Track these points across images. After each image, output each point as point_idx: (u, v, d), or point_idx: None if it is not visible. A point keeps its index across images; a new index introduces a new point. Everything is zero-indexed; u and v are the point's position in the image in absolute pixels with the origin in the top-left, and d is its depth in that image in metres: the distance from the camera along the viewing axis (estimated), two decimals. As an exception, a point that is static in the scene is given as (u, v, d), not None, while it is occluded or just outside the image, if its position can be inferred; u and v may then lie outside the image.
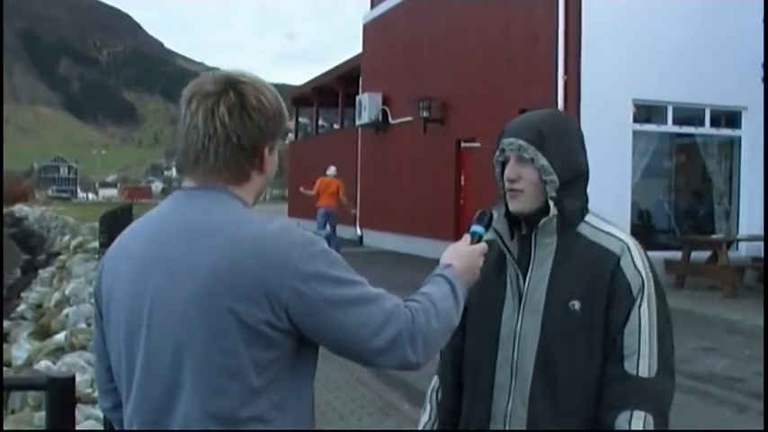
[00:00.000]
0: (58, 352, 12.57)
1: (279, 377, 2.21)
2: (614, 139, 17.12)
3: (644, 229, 18.51)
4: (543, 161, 2.73)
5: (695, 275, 16.76)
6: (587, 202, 2.86)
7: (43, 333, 16.11)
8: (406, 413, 8.42)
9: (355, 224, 30.25)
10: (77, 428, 6.27)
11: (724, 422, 8.25)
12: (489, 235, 2.83)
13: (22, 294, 23.84)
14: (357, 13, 33.31)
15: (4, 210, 61.86)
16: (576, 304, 2.70)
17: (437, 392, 3.07)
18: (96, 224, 25.92)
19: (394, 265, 21.56)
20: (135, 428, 2.28)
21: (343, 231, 28.71)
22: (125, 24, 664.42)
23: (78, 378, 5.04)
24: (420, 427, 3.09)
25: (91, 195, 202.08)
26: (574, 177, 2.78)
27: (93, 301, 2.51)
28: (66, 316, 15.74)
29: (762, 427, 7.83)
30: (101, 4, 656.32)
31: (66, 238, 40.87)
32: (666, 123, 19.02)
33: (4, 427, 8.21)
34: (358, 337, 2.20)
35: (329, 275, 2.20)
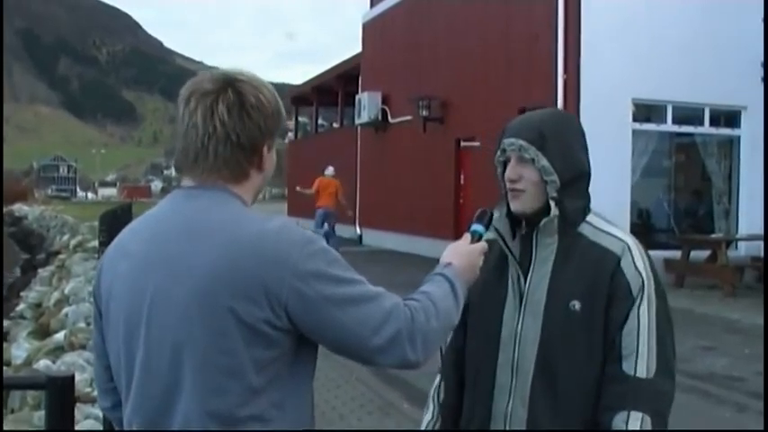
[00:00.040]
0: (58, 351, 12.56)
1: (278, 376, 2.21)
2: (614, 138, 17.12)
3: (643, 229, 18.51)
4: (544, 161, 2.73)
5: (695, 275, 16.77)
6: (589, 201, 2.85)
7: (42, 332, 16.11)
8: (405, 412, 8.43)
9: (355, 223, 30.25)
10: (77, 428, 6.27)
11: (723, 421, 8.25)
12: (490, 235, 2.84)
13: (22, 293, 23.86)
14: (357, 13, 33.32)
15: (4, 209, 61.80)
16: (577, 304, 2.70)
17: (440, 392, 3.07)
18: (96, 223, 25.95)
19: (393, 264, 21.56)
20: (135, 428, 2.28)
21: (343, 230, 28.73)
22: (124, 24, 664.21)
23: (78, 377, 5.04)
24: (423, 427, 3.09)
25: (90, 194, 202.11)
26: (575, 177, 2.78)
27: (92, 300, 2.51)
28: (66, 315, 15.74)
29: (761, 427, 7.83)
30: (100, 4, 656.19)
31: (66, 237, 40.88)
32: (666, 123, 19.03)
33: (4, 427, 8.20)
34: (357, 335, 2.20)
35: (328, 274, 2.20)
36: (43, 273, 27.89)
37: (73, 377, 3.18)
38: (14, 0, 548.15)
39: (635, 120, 18.54)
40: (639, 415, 2.62)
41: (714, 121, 19.36)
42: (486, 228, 2.79)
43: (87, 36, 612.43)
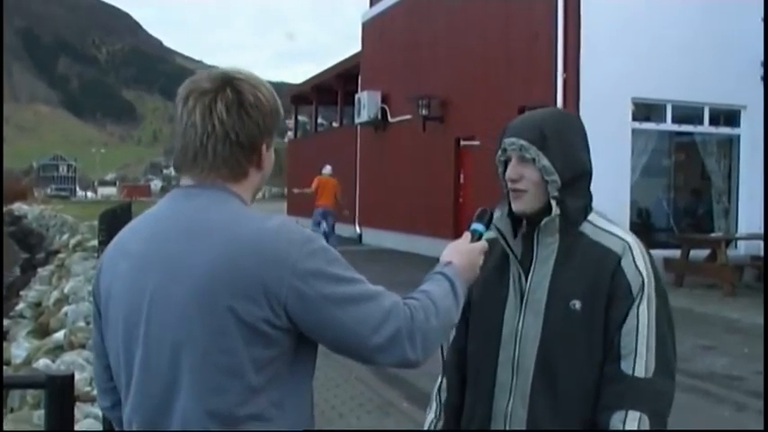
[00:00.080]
0: (57, 350, 12.58)
1: (278, 375, 2.20)
2: (613, 137, 17.10)
3: (643, 228, 18.52)
4: (545, 161, 2.73)
5: (694, 274, 16.77)
6: (591, 201, 2.85)
7: (42, 331, 16.13)
8: (405, 411, 8.43)
9: (354, 222, 30.26)
10: (76, 427, 6.27)
11: (723, 421, 8.25)
12: (492, 234, 2.84)
13: (21, 293, 23.88)
14: (356, 12, 33.31)
15: (3, 208, 61.80)
16: (577, 304, 2.69)
17: (442, 391, 3.07)
18: (95, 222, 25.99)
19: (393, 263, 21.56)
20: (134, 427, 2.28)
21: (343, 230, 28.74)
22: (124, 23, 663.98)
23: (77, 376, 5.04)
24: (426, 426, 3.09)
25: (90, 194, 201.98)
26: (576, 177, 2.77)
27: (91, 299, 2.51)
28: (66, 314, 15.75)
29: (761, 427, 7.83)
30: (100, 3, 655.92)
31: (66, 236, 40.92)
32: (665, 122, 19.04)
33: (3, 426, 8.21)
34: (357, 334, 2.20)
35: (328, 273, 2.20)
36: (43, 272, 27.92)
37: (72, 376, 3.18)
38: (14, 0, 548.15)
39: (634, 119, 18.55)
40: (637, 414, 2.62)
41: (714, 121, 19.37)
42: (487, 227, 2.79)
43: (87, 35, 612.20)
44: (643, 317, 2.66)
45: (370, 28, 30.76)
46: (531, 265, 2.81)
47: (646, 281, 2.69)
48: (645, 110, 18.98)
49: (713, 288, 16.24)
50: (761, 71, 18.60)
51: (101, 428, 6.54)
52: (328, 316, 2.18)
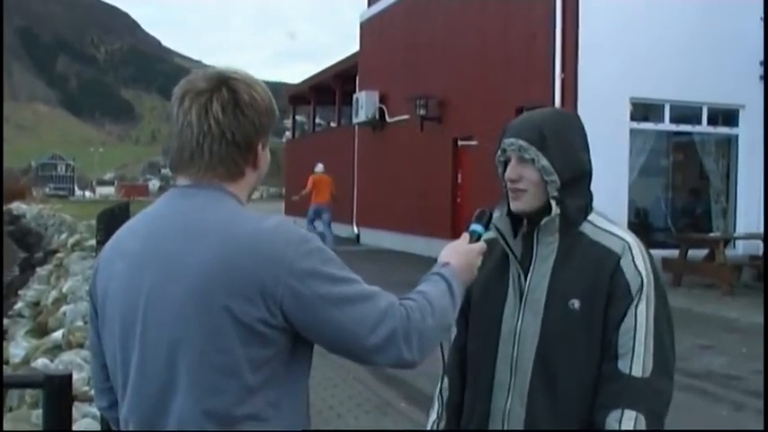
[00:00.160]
0: (56, 350, 12.58)
1: (274, 375, 2.20)
2: (612, 137, 17.10)
3: (641, 228, 18.51)
4: (544, 161, 2.73)
5: (692, 273, 16.76)
6: (591, 200, 2.85)
7: (40, 331, 16.13)
8: (403, 411, 8.43)
9: (352, 222, 30.27)
10: (74, 427, 6.27)
11: (721, 420, 8.25)
12: (491, 234, 2.84)
13: (20, 292, 23.87)
14: (354, 12, 33.31)
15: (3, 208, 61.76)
16: (576, 303, 2.70)
17: (444, 391, 3.07)
18: (93, 222, 25.97)
19: (391, 263, 21.57)
20: (131, 427, 2.28)
21: (340, 230, 28.77)
22: (123, 22, 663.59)
23: (75, 376, 5.04)
24: (428, 426, 3.09)
25: (88, 193, 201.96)
26: (576, 177, 2.78)
27: (89, 299, 2.51)
28: (64, 314, 15.76)
29: (760, 427, 7.84)
30: (99, 2, 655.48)
31: (64, 235, 40.92)
32: (664, 122, 19.05)
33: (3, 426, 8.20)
34: (353, 334, 2.20)
35: (324, 273, 2.20)
36: (41, 271, 27.92)
37: (70, 376, 3.18)
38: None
39: (633, 119, 18.55)
40: (633, 414, 2.62)
41: (712, 120, 19.38)
42: (486, 228, 2.79)
43: (86, 34, 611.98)
44: (641, 316, 2.67)
45: (368, 28, 30.75)
46: (530, 264, 2.81)
47: (645, 281, 2.70)
48: (643, 110, 18.99)
49: (711, 288, 16.24)
50: (759, 71, 18.61)
51: (98, 428, 6.54)
52: (324, 316, 2.18)
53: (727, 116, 19.50)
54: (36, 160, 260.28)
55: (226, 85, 2.31)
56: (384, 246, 26.66)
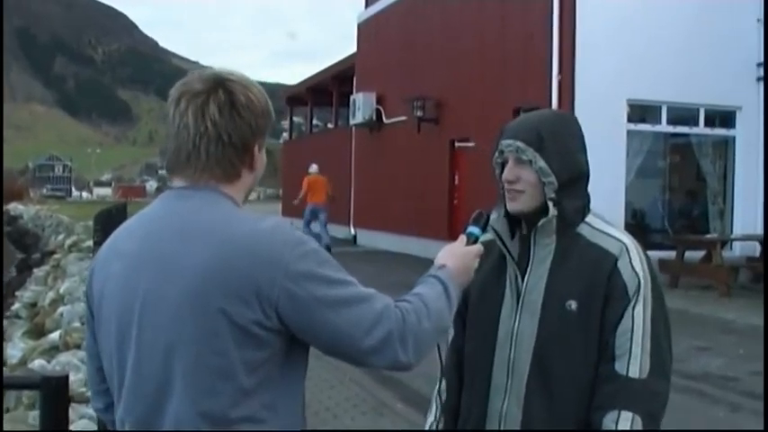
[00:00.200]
0: (53, 351, 12.57)
1: (269, 377, 2.20)
2: (609, 138, 17.10)
3: (638, 229, 18.51)
4: (541, 163, 2.73)
5: (689, 275, 16.76)
6: (588, 202, 2.86)
7: (38, 332, 16.12)
8: (399, 412, 8.43)
9: (349, 224, 30.28)
10: (71, 428, 6.26)
11: (718, 421, 8.26)
12: (489, 235, 2.84)
13: (17, 293, 23.83)
14: (352, 13, 33.30)
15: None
16: (573, 304, 2.70)
17: (442, 393, 3.07)
18: (91, 223, 25.94)
19: (387, 264, 21.57)
20: (127, 428, 2.28)
21: (337, 231, 28.78)
22: (120, 23, 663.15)
23: (72, 377, 5.04)
24: (426, 428, 3.09)
25: (85, 194, 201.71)
26: (573, 178, 2.78)
27: (84, 300, 2.51)
28: (61, 315, 15.74)
29: (758, 427, 7.85)
30: (96, 3, 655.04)
31: (61, 236, 40.91)
32: (661, 123, 19.05)
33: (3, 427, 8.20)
34: (349, 336, 2.20)
35: (320, 275, 2.20)
36: (38, 272, 27.90)
37: (67, 377, 3.18)
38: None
39: (630, 120, 18.56)
40: (630, 415, 2.62)
41: (709, 122, 19.38)
42: (483, 230, 2.79)
43: (83, 35, 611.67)
44: (638, 318, 2.67)
45: (365, 29, 30.76)
46: (527, 266, 2.82)
47: (642, 282, 2.70)
48: (640, 111, 19.00)
49: (708, 289, 16.25)
50: (756, 72, 18.63)
51: (95, 429, 6.54)
52: (320, 318, 2.18)
53: (724, 118, 19.50)
54: (33, 161, 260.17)
55: (222, 87, 2.31)
56: (381, 247, 26.66)
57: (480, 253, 2.72)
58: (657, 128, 19.09)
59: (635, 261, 2.73)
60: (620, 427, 2.62)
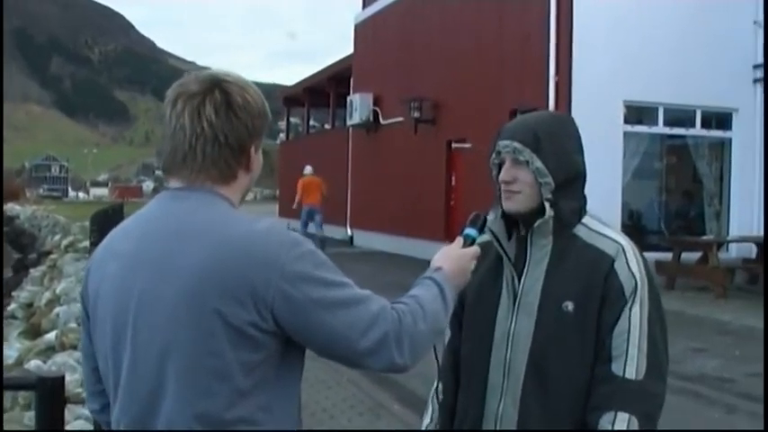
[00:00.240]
0: (49, 351, 12.55)
1: (265, 379, 2.20)
2: (605, 140, 17.10)
3: (635, 230, 18.52)
4: (538, 163, 2.73)
5: (686, 276, 16.78)
6: (585, 203, 2.86)
7: (34, 332, 16.09)
8: (396, 413, 8.43)
9: (346, 224, 30.28)
10: (67, 428, 6.25)
11: (713, 423, 8.26)
12: (486, 236, 2.84)
13: (13, 293, 23.81)
14: (349, 14, 33.30)
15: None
16: (570, 305, 2.70)
17: (439, 394, 3.07)
18: (87, 223, 25.93)
19: (384, 265, 21.57)
20: (122, 428, 2.27)
21: (334, 231, 28.79)
22: (117, 23, 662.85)
23: (68, 378, 5.03)
24: (423, 428, 3.09)
25: (82, 194, 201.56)
26: (570, 179, 2.78)
27: (80, 300, 2.51)
28: (57, 315, 15.72)
29: (757, 428, 7.86)
30: (93, 3, 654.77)
31: (57, 237, 40.86)
32: (657, 125, 19.07)
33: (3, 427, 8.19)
34: (345, 338, 2.19)
35: (316, 276, 2.19)
36: (35, 273, 27.86)
37: (63, 378, 3.18)
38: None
39: (626, 121, 18.57)
40: (626, 416, 2.63)
41: (705, 123, 19.40)
42: (480, 232, 2.79)
43: (80, 35, 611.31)
44: (635, 319, 2.67)
45: (362, 30, 30.75)
46: (524, 266, 2.82)
47: (639, 283, 2.70)
48: (637, 113, 19.02)
49: (704, 290, 16.25)
50: (753, 74, 18.66)
51: (91, 430, 6.53)
52: (316, 320, 2.17)
53: (720, 119, 19.53)
54: (30, 161, 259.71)
55: (219, 88, 2.31)
56: (377, 248, 26.64)
57: (477, 255, 2.71)
58: (654, 129, 19.11)
59: (632, 262, 2.73)
60: (616, 428, 2.62)
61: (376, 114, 28.02)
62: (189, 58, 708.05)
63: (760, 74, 18.59)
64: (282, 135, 47.25)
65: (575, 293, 2.71)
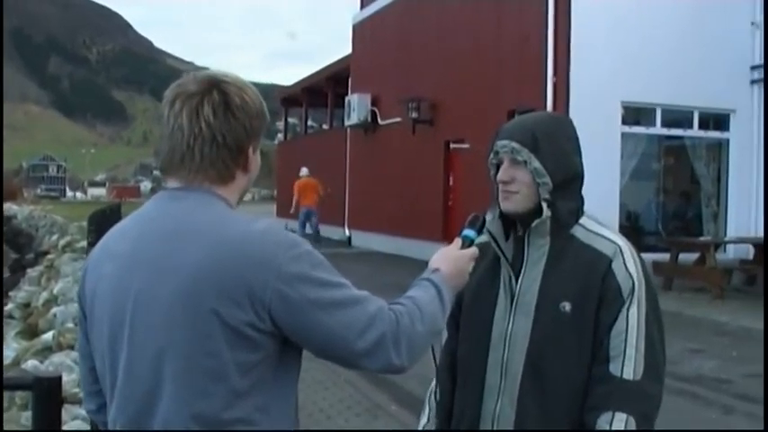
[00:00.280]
0: (46, 351, 12.54)
1: (262, 380, 2.20)
2: (603, 140, 17.11)
3: (632, 231, 18.54)
4: (536, 163, 2.74)
5: (683, 277, 16.79)
6: (582, 204, 2.86)
7: (31, 332, 16.09)
8: (393, 414, 8.43)
9: (344, 225, 30.27)
10: (64, 428, 6.25)
11: (710, 423, 8.27)
12: (483, 237, 2.84)
13: (11, 293, 23.80)
14: (347, 14, 33.29)
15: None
16: (567, 306, 2.70)
17: (435, 395, 3.07)
18: (85, 223, 25.87)
19: (382, 265, 21.56)
20: (118, 428, 2.27)
21: (332, 232, 28.79)
22: (115, 23, 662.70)
23: (65, 378, 5.03)
24: (420, 429, 3.09)
25: (79, 194, 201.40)
26: (567, 179, 2.79)
27: (77, 301, 2.50)
28: (54, 315, 15.70)
29: (756, 428, 7.87)
30: (91, 3, 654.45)
31: (55, 237, 40.78)
32: (655, 125, 19.09)
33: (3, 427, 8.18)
34: (342, 339, 2.19)
35: (313, 277, 2.19)
36: (32, 273, 27.83)
37: (60, 378, 3.17)
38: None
39: (624, 122, 18.58)
40: (624, 416, 2.63)
41: (703, 125, 19.43)
42: (479, 233, 2.79)
43: (78, 35, 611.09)
44: (632, 319, 2.67)
45: (360, 30, 30.75)
46: (521, 267, 2.82)
47: (636, 284, 2.70)
48: (634, 113, 19.03)
49: (702, 291, 16.25)
50: (750, 75, 18.68)
51: (88, 430, 6.52)
52: (313, 320, 2.17)
53: (718, 120, 19.55)
54: (27, 161, 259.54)
55: (217, 88, 2.31)
56: (375, 248, 26.64)
57: (475, 256, 2.72)
58: (652, 130, 19.13)
59: (629, 263, 2.73)
60: (614, 428, 2.62)
61: (374, 115, 28.02)
62: (187, 58, 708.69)
63: (757, 75, 18.62)
64: (280, 135, 47.26)
65: (572, 294, 2.71)
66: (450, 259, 2.63)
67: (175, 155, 2.30)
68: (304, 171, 25.46)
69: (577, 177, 2.83)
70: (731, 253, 18.49)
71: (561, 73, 17.85)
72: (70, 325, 14.01)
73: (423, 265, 2.62)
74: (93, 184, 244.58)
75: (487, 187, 2.91)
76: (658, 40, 18.01)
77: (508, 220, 2.87)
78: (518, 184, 2.77)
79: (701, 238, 17.91)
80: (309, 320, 2.17)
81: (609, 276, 2.71)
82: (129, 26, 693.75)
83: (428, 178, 23.86)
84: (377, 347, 2.20)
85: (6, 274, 32.99)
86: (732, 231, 19.17)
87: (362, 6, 30.91)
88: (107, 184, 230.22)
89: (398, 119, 25.26)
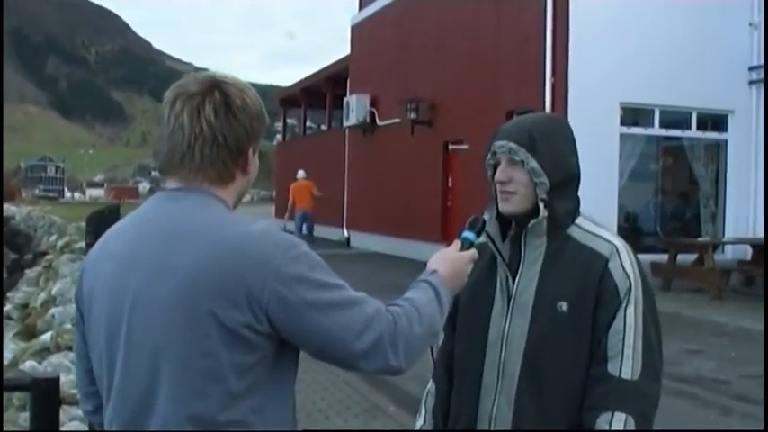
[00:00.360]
0: (44, 352, 12.54)
1: (259, 381, 2.19)
2: (601, 141, 17.12)
3: (630, 232, 18.56)
4: (534, 164, 2.74)
5: (681, 278, 16.79)
6: (579, 204, 2.87)
7: (29, 333, 16.09)
8: (392, 415, 8.43)
9: (342, 226, 30.27)
10: (62, 429, 6.25)
11: (709, 424, 8.27)
12: (481, 238, 2.84)
13: (9, 294, 23.78)
14: (346, 15, 33.30)
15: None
16: (564, 306, 2.70)
17: (431, 396, 3.07)
18: (83, 224, 25.88)
19: (380, 266, 21.56)
20: (114, 428, 2.27)
21: (331, 233, 28.79)
22: (114, 24, 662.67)
23: (63, 378, 5.02)
24: (417, 429, 3.09)
25: (78, 195, 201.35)
26: (564, 180, 2.79)
27: (75, 301, 2.50)
28: (53, 316, 15.71)
29: (754, 429, 7.88)
30: (90, 4, 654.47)
31: (53, 237, 40.80)
32: (653, 126, 19.10)
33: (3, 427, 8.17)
34: (340, 340, 2.19)
35: (311, 278, 2.19)
36: (30, 273, 27.83)
37: (58, 379, 3.17)
38: None
39: (622, 123, 18.58)
40: (623, 416, 2.63)
41: (701, 125, 19.44)
42: (478, 235, 2.80)
43: (76, 36, 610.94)
44: (630, 319, 2.68)
45: (359, 31, 30.74)
46: (518, 267, 2.82)
47: (633, 284, 2.71)
48: (633, 114, 19.03)
49: (700, 292, 16.25)
50: (748, 76, 18.69)
51: (86, 431, 6.51)
52: (311, 321, 2.17)
53: (716, 121, 19.56)
54: (26, 161, 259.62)
55: (218, 89, 2.31)
56: (374, 249, 26.64)
57: (474, 258, 2.72)
58: (650, 131, 19.15)
59: (625, 263, 2.74)
60: (613, 428, 2.62)
61: (373, 115, 28.01)
62: (186, 59, 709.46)
63: (756, 76, 18.63)
64: (279, 136, 47.24)
65: (569, 294, 2.71)
66: (448, 261, 2.63)
67: (175, 155, 2.30)
68: (300, 174, 25.58)
69: (574, 178, 2.83)
70: (729, 254, 18.49)
71: (560, 74, 17.85)
72: (68, 326, 14.01)
73: (421, 266, 2.62)
74: (92, 184, 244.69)
75: (486, 188, 2.92)
76: (656, 41, 18.02)
77: (505, 221, 2.87)
78: (515, 184, 2.78)
79: (700, 239, 17.92)
80: (307, 322, 2.17)
81: (606, 276, 2.71)
82: (127, 27, 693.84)
83: (427, 179, 23.85)
84: (374, 349, 2.20)
85: (5, 274, 32.98)
86: (730, 232, 19.18)
87: (361, 7, 30.91)
88: (105, 185, 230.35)
89: (397, 120, 25.26)
